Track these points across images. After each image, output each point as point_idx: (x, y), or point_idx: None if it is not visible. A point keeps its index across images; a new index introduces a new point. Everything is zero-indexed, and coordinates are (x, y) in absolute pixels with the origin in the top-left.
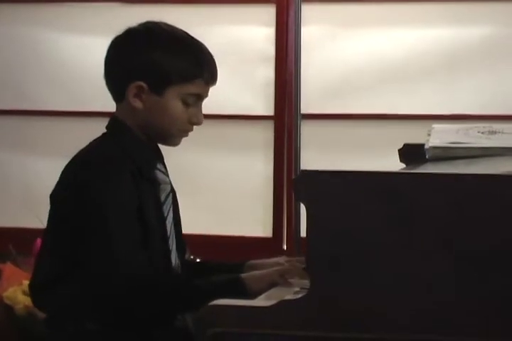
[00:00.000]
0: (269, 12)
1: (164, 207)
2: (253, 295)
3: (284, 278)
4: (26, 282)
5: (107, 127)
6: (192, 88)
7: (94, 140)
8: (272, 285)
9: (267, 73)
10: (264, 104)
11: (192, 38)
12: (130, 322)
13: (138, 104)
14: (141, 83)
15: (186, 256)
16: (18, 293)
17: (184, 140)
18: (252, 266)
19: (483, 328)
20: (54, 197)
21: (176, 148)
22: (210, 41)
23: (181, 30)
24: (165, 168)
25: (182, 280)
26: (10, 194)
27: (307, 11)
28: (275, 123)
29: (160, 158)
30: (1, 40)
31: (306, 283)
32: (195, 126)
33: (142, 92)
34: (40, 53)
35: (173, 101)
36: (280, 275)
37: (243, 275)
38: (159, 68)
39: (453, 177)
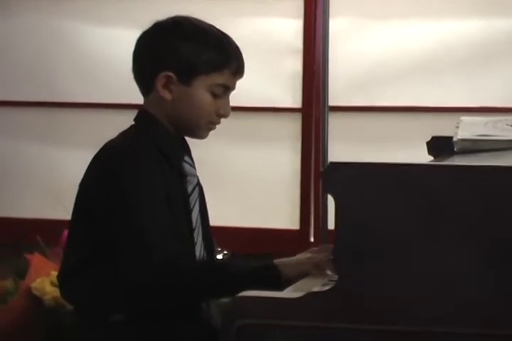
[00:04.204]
0: (297, 4)
1: (191, 198)
2: (286, 283)
3: (318, 269)
4: (54, 273)
5: (135, 119)
6: (219, 78)
7: (123, 132)
8: (305, 274)
9: (294, 65)
10: (291, 97)
11: (220, 30)
12: (162, 310)
13: (167, 94)
14: (170, 73)
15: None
16: (46, 283)
17: (212, 132)
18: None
19: (508, 321)
20: (83, 186)
21: (204, 140)
22: (238, 33)
23: (209, 24)
24: (192, 160)
25: (217, 266)
26: (38, 185)
27: (335, 2)
28: (303, 116)
29: (187, 150)
30: (32, 32)
31: (334, 275)
32: (223, 119)
33: (171, 83)
34: (70, 45)
35: (201, 91)
36: (314, 265)
37: (276, 261)
38: (187, 58)
39: (481, 169)
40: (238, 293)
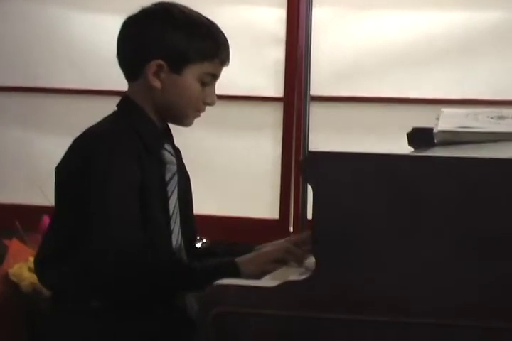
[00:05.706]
0: None
1: (169, 187)
2: (249, 278)
3: (291, 255)
4: (32, 259)
5: (117, 105)
6: (209, 67)
7: (105, 117)
8: (270, 264)
9: (277, 55)
10: (273, 86)
11: (206, 18)
12: (123, 300)
13: (156, 83)
14: (161, 62)
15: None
16: (23, 269)
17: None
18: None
19: (489, 312)
20: (59, 169)
21: (185, 127)
22: (221, 22)
23: (196, 11)
24: (173, 148)
25: (176, 263)
26: (17, 171)
27: None
28: (284, 105)
29: (169, 139)
30: (12, 18)
31: (312, 264)
32: (207, 106)
33: (161, 71)
34: (52, 31)
35: (191, 80)
36: (286, 251)
37: (238, 259)
38: (179, 47)
39: (461, 161)
40: (196, 289)
